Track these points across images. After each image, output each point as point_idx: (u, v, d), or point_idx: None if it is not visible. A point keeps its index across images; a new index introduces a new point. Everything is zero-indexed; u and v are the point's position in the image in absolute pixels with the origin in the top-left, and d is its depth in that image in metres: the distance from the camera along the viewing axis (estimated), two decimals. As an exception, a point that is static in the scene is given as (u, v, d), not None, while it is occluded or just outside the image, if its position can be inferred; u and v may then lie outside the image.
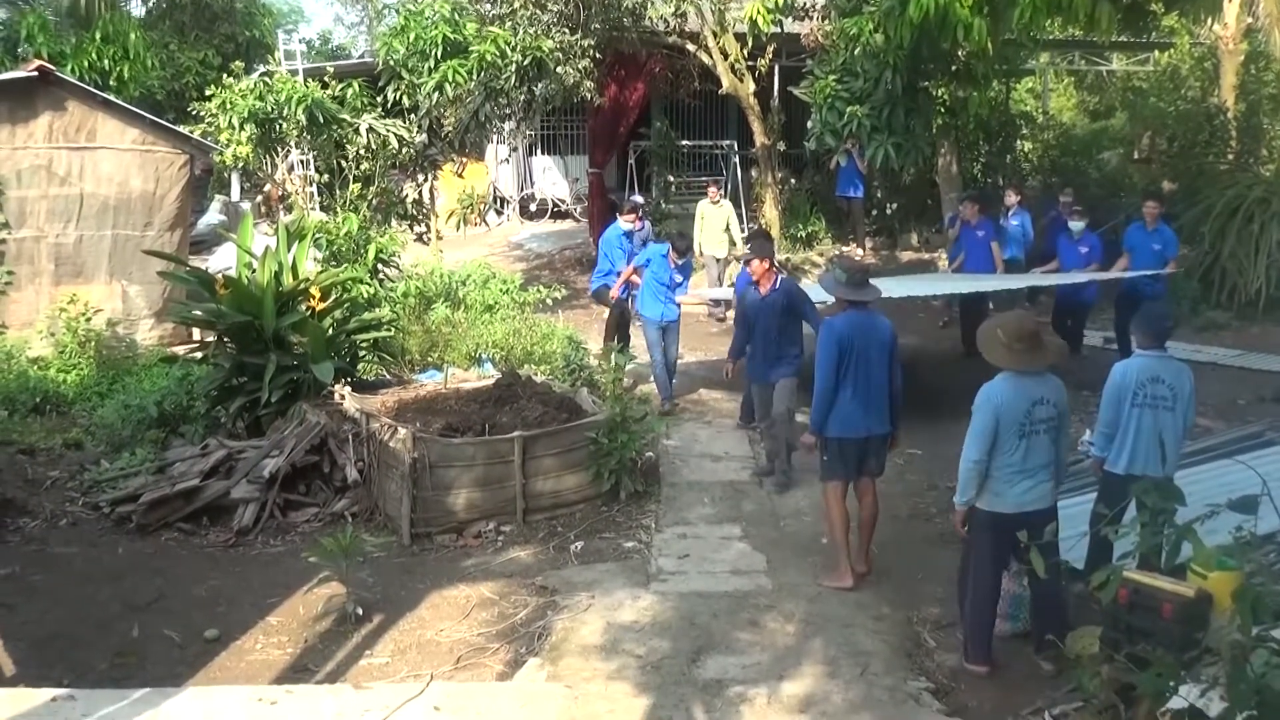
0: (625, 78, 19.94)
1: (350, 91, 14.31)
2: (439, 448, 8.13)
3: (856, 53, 14.40)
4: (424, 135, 15.68)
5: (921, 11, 11.87)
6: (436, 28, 15.01)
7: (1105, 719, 4.29)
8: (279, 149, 14.64)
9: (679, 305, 11.52)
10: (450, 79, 14.85)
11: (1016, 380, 5.80)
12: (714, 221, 16.09)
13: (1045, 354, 5.99)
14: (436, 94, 15.01)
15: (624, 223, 13.14)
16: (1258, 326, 14.15)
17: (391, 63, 15.44)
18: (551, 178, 25.58)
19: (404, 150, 14.89)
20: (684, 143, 23.15)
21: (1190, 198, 15.87)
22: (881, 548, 7.68)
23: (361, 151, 14.19)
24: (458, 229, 18.40)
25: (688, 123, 23.75)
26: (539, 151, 25.42)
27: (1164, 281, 12.09)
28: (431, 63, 15.04)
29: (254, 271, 10.09)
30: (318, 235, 12.08)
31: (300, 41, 22.13)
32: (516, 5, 16.16)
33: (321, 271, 10.84)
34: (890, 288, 10.64)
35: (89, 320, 12.62)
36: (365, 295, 11.50)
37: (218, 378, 9.86)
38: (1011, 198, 14.46)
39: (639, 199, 16.12)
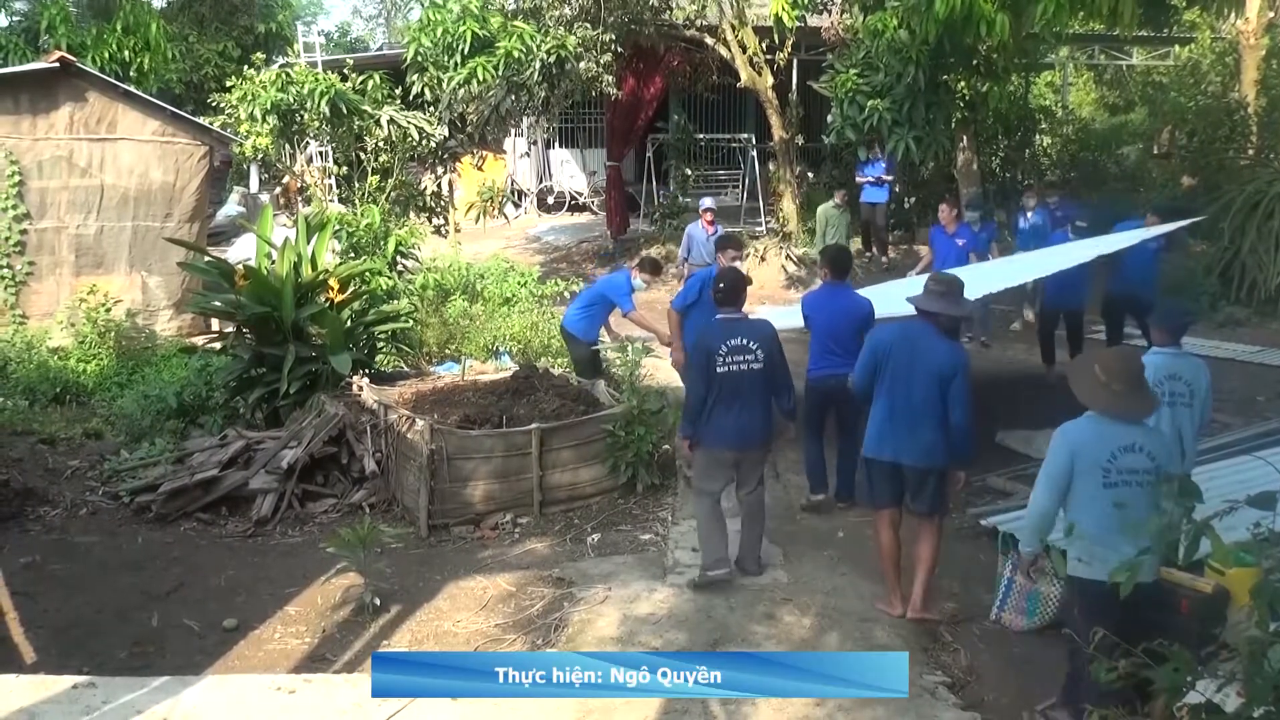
0: (643, 71, 19.97)
1: (371, 84, 14.36)
2: (456, 439, 8.15)
3: (879, 48, 14.37)
4: (444, 128, 15.72)
5: (949, 8, 11.86)
6: (464, 23, 15.04)
7: (1121, 714, 4.28)
8: (299, 141, 14.70)
9: None
10: (479, 75, 14.89)
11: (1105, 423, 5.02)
12: (839, 228, 15.16)
13: (1147, 398, 5.16)
14: (462, 89, 15.05)
15: (639, 279, 10.10)
16: (1277, 322, 14.08)
17: (419, 58, 15.49)
18: (569, 171, 25.62)
19: (424, 143, 14.92)
20: (701, 136, 23.16)
21: (1210, 193, 15.79)
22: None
23: (381, 144, 14.23)
24: (476, 221, 18.44)
25: (706, 116, 23.77)
26: (557, 144, 25.46)
27: (1156, 262, 11.48)
28: (458, 58, 15.08)
29: (273, 263, 10.13)
30: (338, 228, 12.12)
31: (319, 34, 22.17)
32: (541, 2, 16.22)
33: (340, 263, 10.88)
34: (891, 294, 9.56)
35: (109, 311, 12.72)
36: (384, 287, 11.53)
37: (236, 369, 9.90)
38: (1031, 200, 14.28)
39: (710, 202, 14.48)
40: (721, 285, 7.02)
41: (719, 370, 6.73)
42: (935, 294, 6.59)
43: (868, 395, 6.57)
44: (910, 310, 6.80)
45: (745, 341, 6.78)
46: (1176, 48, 23.89)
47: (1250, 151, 17.60)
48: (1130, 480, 4.90)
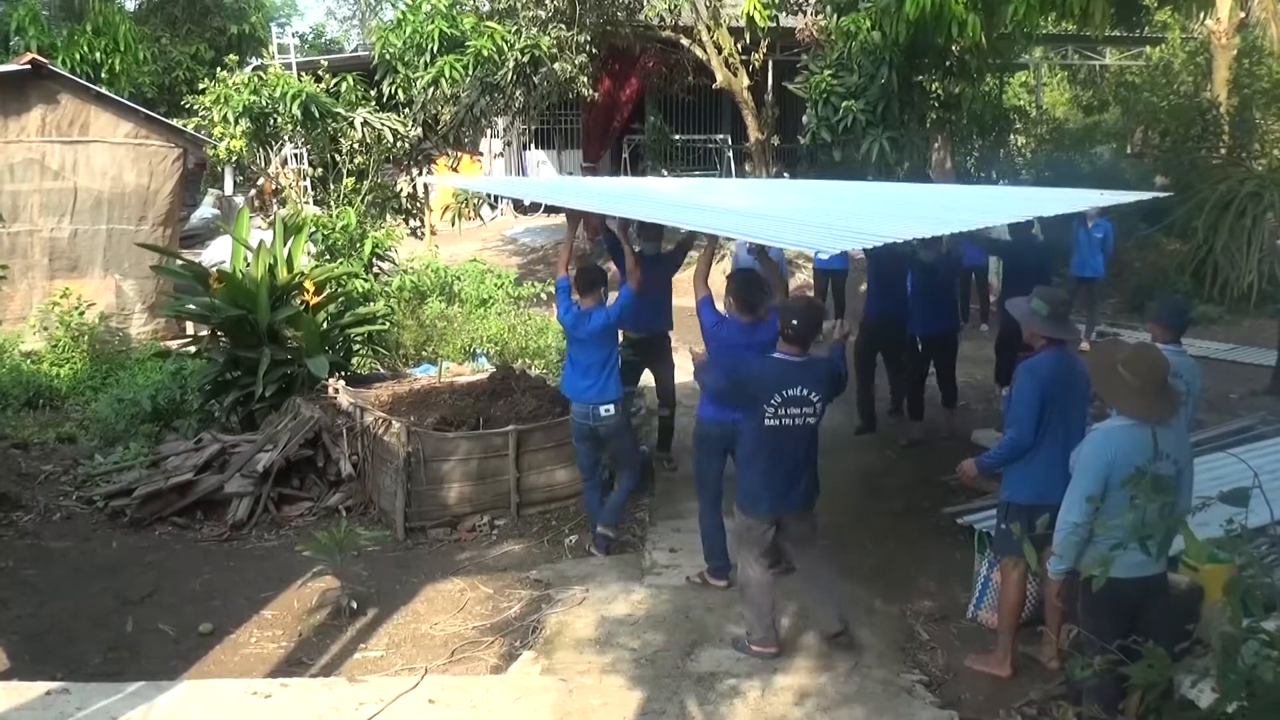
0: (619, 72, 20.03)
1: (344, 86, 14.30)
2: (433, 442, 8.13)
3: (852, 49, 14.41)
4: (419, 129, 15.67)
5: (918, 9, 11.91)
6: (433, 22, 14.99)
7: (1096, 710, 4.31)
8: (273, 143, 14.62)
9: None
10: (447, 75, 14.83)
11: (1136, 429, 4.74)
12: None
13: (1175, 398, 4.93)
14: (432, 89, 14.99)
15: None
16: (1249, 320, 14.19)
17: (388, 57, 15.43)
18: (545, 172, 25.58)
19: (398, 144, 14.87)
20: (677, 137, 23.19)
21: (1183, 192, 15.90)
22: (876, 541, 7.71)
23: (355, 145, 14.18)
24: (453, 224, 18.43)
25: (681, 117, 23.79)
26: (533, 146, 25.43)
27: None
28: (428, 57, 15.02)
29: (249, 265, 10.09)
30: (314, 230, 12.07)
31: (293, 35, 22.06)
32: (516, 2, 16.19)
33: (316, 266, 10.84)
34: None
35: (82, 314, 12.63)
36: (360, 289, 11.49)
37: (211, 372, 9.85)
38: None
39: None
40: (795, 322, 5.76)
41: (767, 423, 5.72)
42: (1063, 319, 5.89)
43: (1027, 448, 5.65)
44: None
45: (805, 392, 5.73)
46: (1148, 48, 24.05)
47: (1222, 150, 17.71)
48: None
